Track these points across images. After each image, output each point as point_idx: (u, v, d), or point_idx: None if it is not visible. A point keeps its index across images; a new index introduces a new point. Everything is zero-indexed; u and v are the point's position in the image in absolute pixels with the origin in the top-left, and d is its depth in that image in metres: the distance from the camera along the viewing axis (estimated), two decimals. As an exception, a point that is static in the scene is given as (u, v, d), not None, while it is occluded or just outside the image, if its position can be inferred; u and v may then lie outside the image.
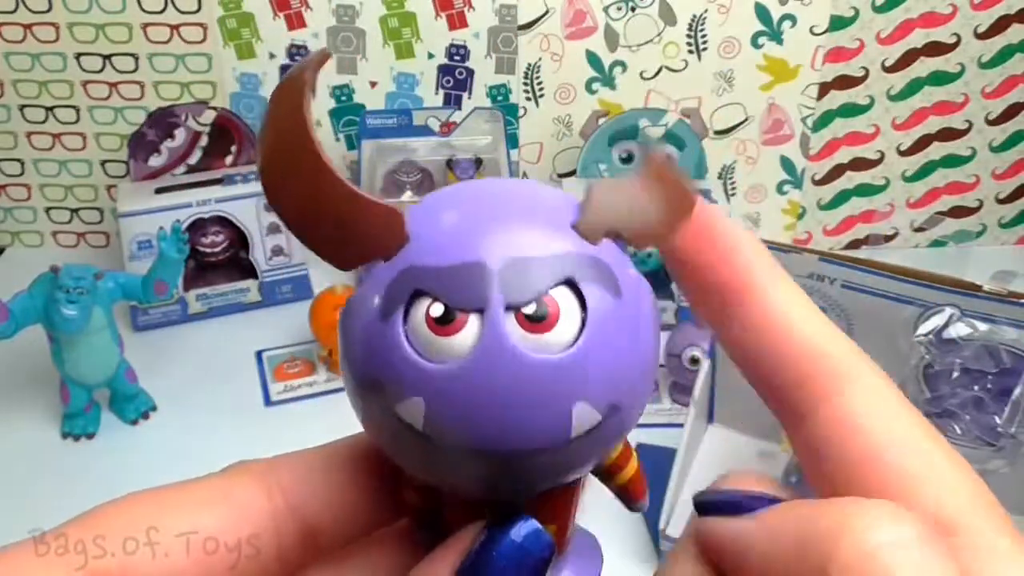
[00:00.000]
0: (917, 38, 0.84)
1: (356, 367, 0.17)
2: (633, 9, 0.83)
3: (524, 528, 0.17)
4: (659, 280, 0.83)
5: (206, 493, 0.18)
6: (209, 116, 0.85)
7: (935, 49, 0.84)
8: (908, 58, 0.85)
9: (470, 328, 0.15)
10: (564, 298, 0.16)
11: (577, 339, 0.16)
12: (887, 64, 0.85)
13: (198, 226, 0.81)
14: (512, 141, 0.88)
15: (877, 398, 0.17)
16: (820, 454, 0.17)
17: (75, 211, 0.93)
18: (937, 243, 0.95)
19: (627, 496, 0.20)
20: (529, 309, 0.16)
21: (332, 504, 0.18)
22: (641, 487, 0.19)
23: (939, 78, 0.86)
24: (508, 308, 0.15)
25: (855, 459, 0.16)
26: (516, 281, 0.16)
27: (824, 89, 0.86)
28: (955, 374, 0.56)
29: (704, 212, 0.18)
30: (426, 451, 0.16)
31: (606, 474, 0.19)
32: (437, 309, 0.16)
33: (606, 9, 0.83)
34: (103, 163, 0.90)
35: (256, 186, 0.82)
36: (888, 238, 0.95)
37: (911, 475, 0.16)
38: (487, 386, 0.15)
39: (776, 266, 0.18)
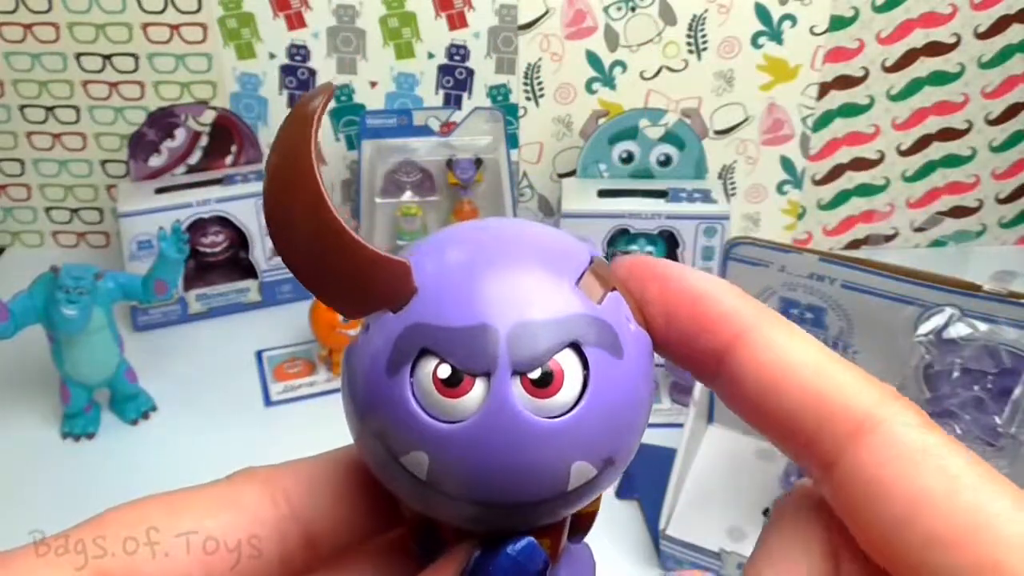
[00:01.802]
0: (917, 38, 0.84)
1: (360, 414, 0.17)
2: (633, 9, 0.83)
3: (519, 543, 0.17)
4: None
5: (212, 498, 0.18)
6: (209, 116, 0.85)
7: (935, 49, 0.84)
8: (908, 58, 0.85)
9: (476, 391, 0.16)
10: (568, 361, 0.16)
11: (579, 400, 0.16)
12: (887, 64, 0.85)
13: (198, 226, 0.81)
14: (512, 141, 0.88)
15: (915, 433, 0.15)
16: (861, 503, 0.15)
17: (75, 211, 0.93)
18: (937, 243, 0.95)
19: (575, 525, 0.19)
20: (534, 374, 0.16)
21: (333, 512, 0.19)
22: (590, 523, 0.20)
23: (939, 78, 0.86)
24: (514, 373, 0.16)
25: (911, 499, 0.15)
26: (522, 347, 0.16)
27: (824, 89, 0.86)
28: (955, 374, 0.56)
29: (668, 270, 0.18)
30: (426, 495, 0.17)
31: None
32: (444, 371, 0.16)
33: (606, 9, 0.83)
34: (103, 163, 0.90)
35: (256, 186, 0.82)
36: (888, 238, 0.95)
37: (978, 512, 0.14)
38: (491, 446, 0.16)
39: (763, 308, 0.17)
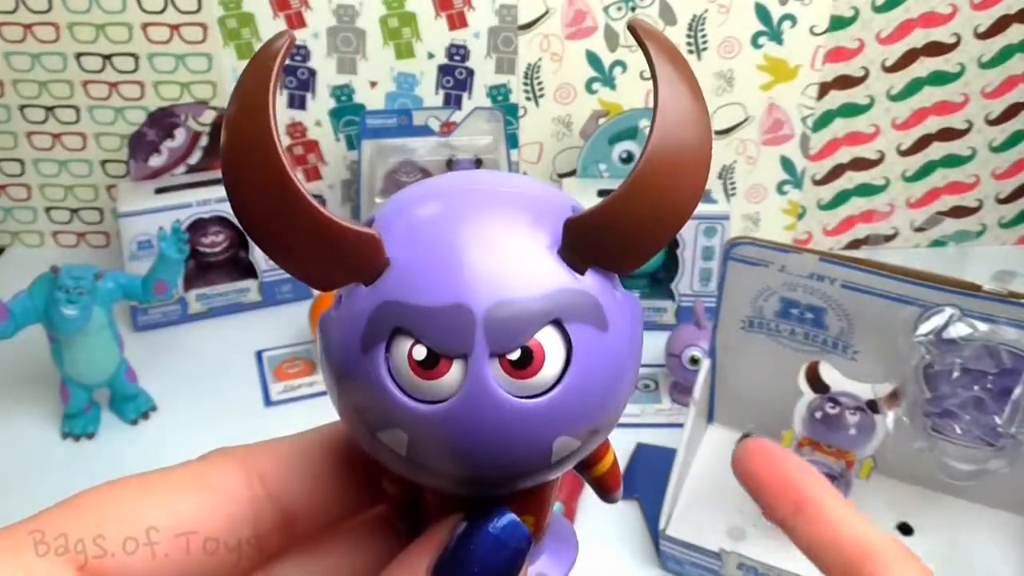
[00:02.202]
0: (917, 38, 0.84)
1: (338, 388, 0.17)
2: (633, 9, 0.83)
3: (502, 520, 0.17)
4: (657, 280, 0.83)
5: (185, 479, 0.18)
6: (209, 116, 0.85)
7: (935, 49, 0.84)
8: (908, 58, 0.85)
9: (454, 372, 0.15)
10: (549, 339, 0.16)
11: (561, 378, 0.16)
12: (887, 64, 0.85)
13: (198, 226, 0.81)
14: (512, 141, 0.88)
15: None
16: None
17: (75, 211, 0.93)
18: (937, 243, 0.95)
19: (601, 488, 0.20)
20: (513, 355, 0.15)
21: (310, 492, 0.18)
22: (615, 480, 0.20)
23: (939, 78, 0.86)
24: (492, 354, 0.15)
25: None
26: (501, 328, 0.15)
27: (824, 89, 0.86)
28: (955, 374, 0.56)
29: (773, 454, 0.22)
30: (406, 466, 0.17)
31: (582, 466, 0.19)
32: (420, 352, 0.15)
33: (606, 9, 0.83)
34: (103, 163, 0.90)
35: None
36: (888, 238, 0.95)
37: None
38: (470, 427, 0.15)
39: (823, 481, 0.22)
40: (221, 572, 0.17)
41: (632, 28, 0.16)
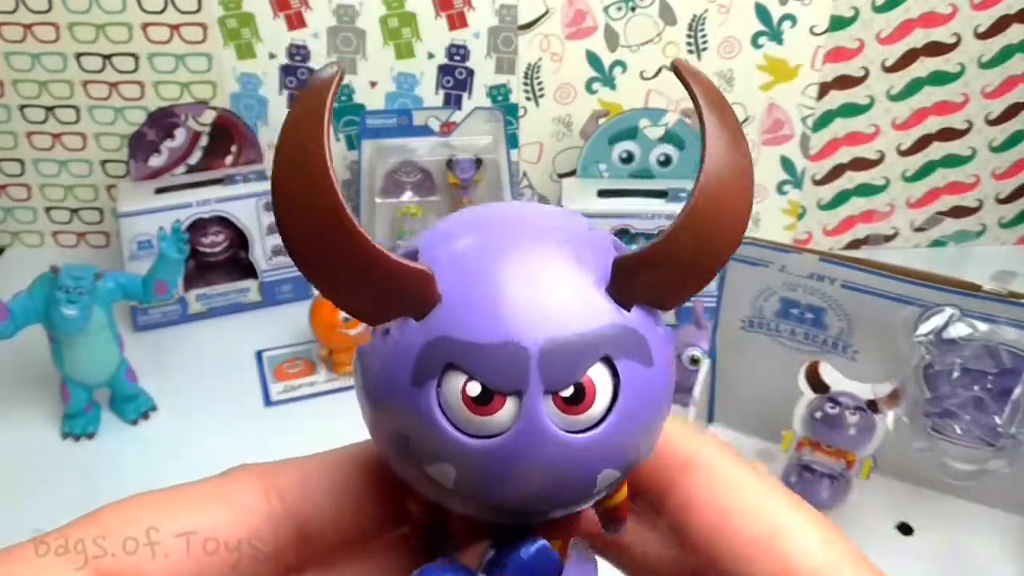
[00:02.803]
0: (917, 38, 0.84)
1: (382, 421, 0.17)
2: (633, 9, 0.83)
3: (533, 547, 0.17)
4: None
5: (206, 494, 0.18)
6: (209, 116, 0.85)
7: (935, 49, 0.84)
8: (908, 58, 0.85)
9: (507, 408, 0.16)
10: (599, 375, 0.16)
11: (608, 412, 0.16)
12: (887, 64, 0.85)
13: (198, 226, 0.81)
14: (512, 141, 0.88)
15: (717, 478, 0.19)
16: (685, 524, 0.19)
17: (75, 211, 0.93)
18: (937, 243, 0.95)
19: (611, 518, 0.20)
20: (567, 393, 0.16)
21: (330, 511, 0.18)
22: (626, 512, 0.20)
23: (939, 78, 0.86)
24: (546, 392, 0.16)
25: (713, 534, 0.18)
26: (555, 366, 0.15)
27: (824, 89, 0.86)
28: (955, 374, 0.56)
29: None
30: (449, 496, 0.17)
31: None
32: (474, 389, 0.15)
33: (606, 9, 0.83)
34: (103, 163, 0.90)
35: (256, 186, 0.82)
36: (888, 238, 0.94)
37: (762, 539, 0.18)
38: (522, 462, 0.16)
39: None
40: None
41: (676, 69, 0.17)
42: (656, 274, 0.16)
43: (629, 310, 0.16)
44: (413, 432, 0.16)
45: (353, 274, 0.16)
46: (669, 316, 0.81)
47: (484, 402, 0.15)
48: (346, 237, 0.15)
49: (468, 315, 0.16)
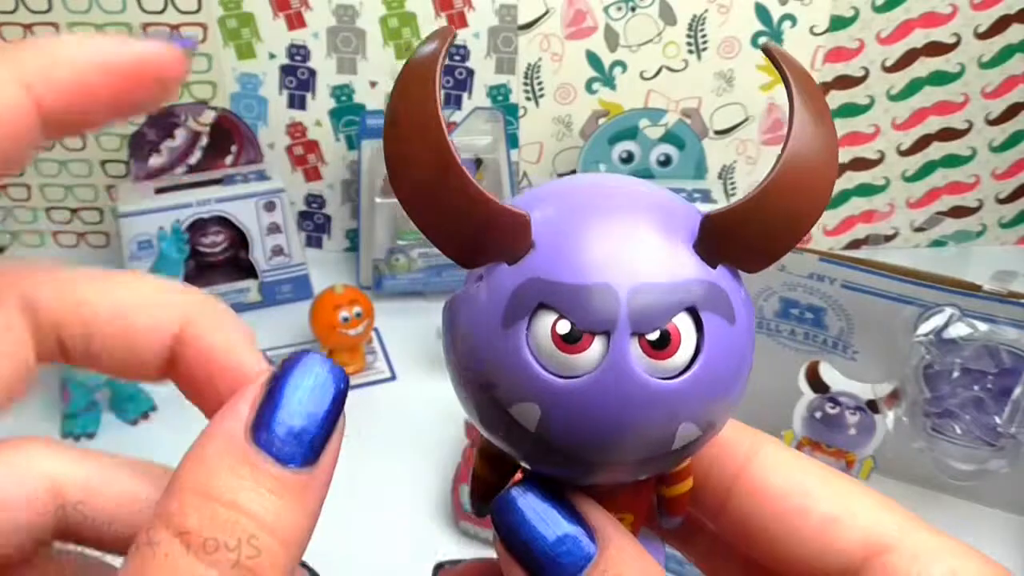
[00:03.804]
0: (917, 38, 0.84)
1: (469, 366, 0.17)
2: (633, 9, 0.83)
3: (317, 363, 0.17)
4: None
5: None
6: (209, 116, 0.85)
7: (935, 49, 0.84)
8: (908, 58, 0.85)
9: (595, 348, 0.16)
10: (684, 325, 0.16)
11: (691, 364, 0.16)
12: (887, 64, 0.85)
13: (198, 226, 0.81)
14: (512, 141, 0.88)
15: (782, 463, 0.19)
16: (750, 519, 0.19)
17: (75, 211, 0.93)
18: (937, 243, 0.95)
19: (670, 508, 0.20)
20: (653, 336, 0.16)
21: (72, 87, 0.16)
22: (685, 505, 0.20)
23: (939, 78, 0.86)
24: (633, 333, 0.16)
25: (782, 513, 0.18)
26: (643, 309, 0.16)
27: (824, 89, 0.86)
28: (955, 374, 0.56)
29: None
30: (529, 443, 0.17)
31: (666, 481, 0.20)
32: (564, 327, 0.16)
33: (606, 9, 0.83)
34: (103, 163, 0.90)
35: (256, 186, 0.82)
36: (888, 238, 0.95)
37: (838, 514, 0.18)
38: (605, 404, 0.16)
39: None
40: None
41: (766, 50, 0.18)
42: (741, 233, 0.17)
43: (714, 268, 0.17)
44: (502, 372, 0.16)
45: (456, 214, 0.17)
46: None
47: (573, 340, 0.16)
48: (454, 178, 0.16)
49: (560, 259, 0.16)
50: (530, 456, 0.18)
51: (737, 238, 0.17)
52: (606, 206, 0.17)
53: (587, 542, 0.17)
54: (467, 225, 0.17)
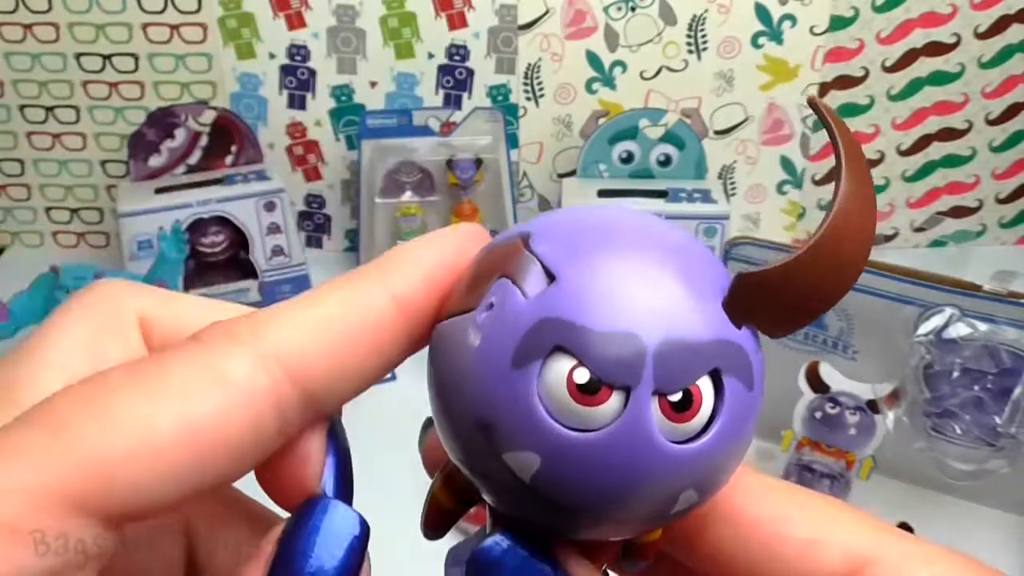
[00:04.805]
0: (917, 38, 0.84)
1: (464, 402, 0.16)
2: (633, 9, 0.83)
3: (331, 512, 0.16)
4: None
5: (195, 376, 0.15)
6: (209, 116, 0.85)
7: (935, 49, 0.84)
8: (908, 58, 0.85)
9: (612, 402, 0.15)
10: (706, 387, 0.15)
11: (706, 429, 0.15)
12: (887, 64, 0.85)
13: (198, 226, 0.81)
14: (512, 141, 0.88)
15: (758, 493, 0.19)
16: (727, 550, 0.18)
17: (75, 211, 0.93)
18: (937, 243, 0.95)
19: (638, 553, 0.19)
20: (675, 397, 0.15)
21: (332, 365, 0.16)
22: (653, 551, 0.19)
23: (939, 78, 0.86)
24: (655, 392, 0.15)
25: (760, 541, 0.18)
26: (669, 366, 0.15)
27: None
28: (955, 374, 0.56)
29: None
30: (515, 492, 0.16)
31: None
32: (582, 376, 0.15)
33: (606, 9, 0.83)
34: (103, 163, 0.90)
35: (256, 186, 0.82)
36: (888, 238, 0.95)
37: (819, 538, 0.18)
38: (614, 463, 0.15)
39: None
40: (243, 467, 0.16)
41: (813, 104, 0.17)
42: (775, 296, 0.16)
43: (740, 329, 0.16)
44: (503, 415, 0.15)
45: None
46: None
47: (591, 391, 0.15)
48: None
49: (586, 299, 0.15)
50: (511, 504, 0.16)
51: (770, 300, 0.16)
52: (636, 247, 0.16)
53: None
54: None
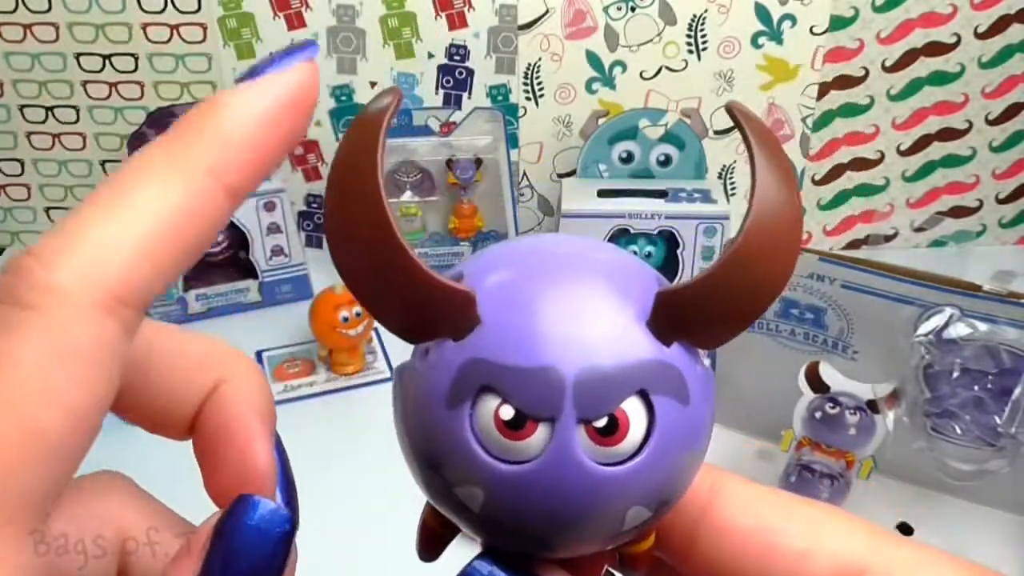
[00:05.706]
0: (917, 38, 0.84)
1: (415, 442, 0.17)
2: (633, 9, 0.83)
3: (260, 510, 0.17)
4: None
5: (46, 359, 0.14)
6: (209, 116, 0.85)
7: (935, 49, 0.84)
8: (908, 58, 0.85)
9: (539, 434, 0.15)
10: (634, 408, 0.16)
11: (641, 448, 0.16)
12: (887, 64, 0.85)
13: (198, 226, 0.81)
14: (512, 141, 0.88)
15: (745, 501, 0.19)
16: (718, 561, 0.18)
17: (75, 211, 0.93)
18: (937, 243, 0.95)
19: (631, 564, 0.19)
20: (600, 423, 0.15)
21: (167, 278, 0.15)
22: (648, 560, 0.19)
23: (939, 78, 0.86)
24: (579, 420, 0.15)
25: (750, 552, 0.18)
26: (590, 395, 0.15)
27: (824, 89, 0.86)
28: (955, 374, 0.56)
29: None
30: (475, 521, 0.17)
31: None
32: (507, 412, 0.15)
33: (606, 9, 0.83)
34: (103, 163, 0.90)
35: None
36: (888, 238, 0.94)
37: (808, 547, 0.18)
38: (549, 491, 0.16)
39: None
40: None
41: (730, 110, 0.17)
42: (697, 311, 0.16)
43: (669, 346, 0.16)
44: (445, 454, 0.16)
45: (399, 291, 0.16)
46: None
47: (517, 426, 0.15)
48: (394, 254, 0.16)
49: (506, 338, 0.16)
50: (474, 531, 0.17)
51: (693, 316, 0.16)
52: (561, 279, 0.16)
53: None
54: (411, 303, 0.16)
